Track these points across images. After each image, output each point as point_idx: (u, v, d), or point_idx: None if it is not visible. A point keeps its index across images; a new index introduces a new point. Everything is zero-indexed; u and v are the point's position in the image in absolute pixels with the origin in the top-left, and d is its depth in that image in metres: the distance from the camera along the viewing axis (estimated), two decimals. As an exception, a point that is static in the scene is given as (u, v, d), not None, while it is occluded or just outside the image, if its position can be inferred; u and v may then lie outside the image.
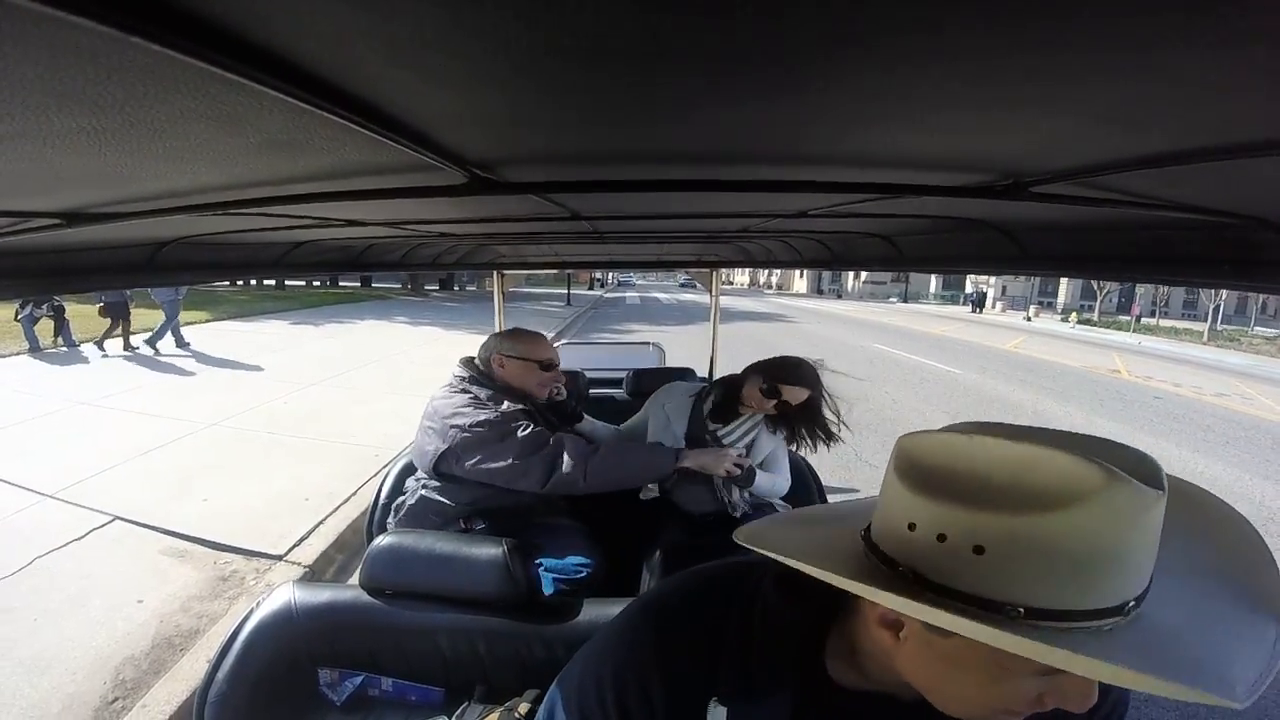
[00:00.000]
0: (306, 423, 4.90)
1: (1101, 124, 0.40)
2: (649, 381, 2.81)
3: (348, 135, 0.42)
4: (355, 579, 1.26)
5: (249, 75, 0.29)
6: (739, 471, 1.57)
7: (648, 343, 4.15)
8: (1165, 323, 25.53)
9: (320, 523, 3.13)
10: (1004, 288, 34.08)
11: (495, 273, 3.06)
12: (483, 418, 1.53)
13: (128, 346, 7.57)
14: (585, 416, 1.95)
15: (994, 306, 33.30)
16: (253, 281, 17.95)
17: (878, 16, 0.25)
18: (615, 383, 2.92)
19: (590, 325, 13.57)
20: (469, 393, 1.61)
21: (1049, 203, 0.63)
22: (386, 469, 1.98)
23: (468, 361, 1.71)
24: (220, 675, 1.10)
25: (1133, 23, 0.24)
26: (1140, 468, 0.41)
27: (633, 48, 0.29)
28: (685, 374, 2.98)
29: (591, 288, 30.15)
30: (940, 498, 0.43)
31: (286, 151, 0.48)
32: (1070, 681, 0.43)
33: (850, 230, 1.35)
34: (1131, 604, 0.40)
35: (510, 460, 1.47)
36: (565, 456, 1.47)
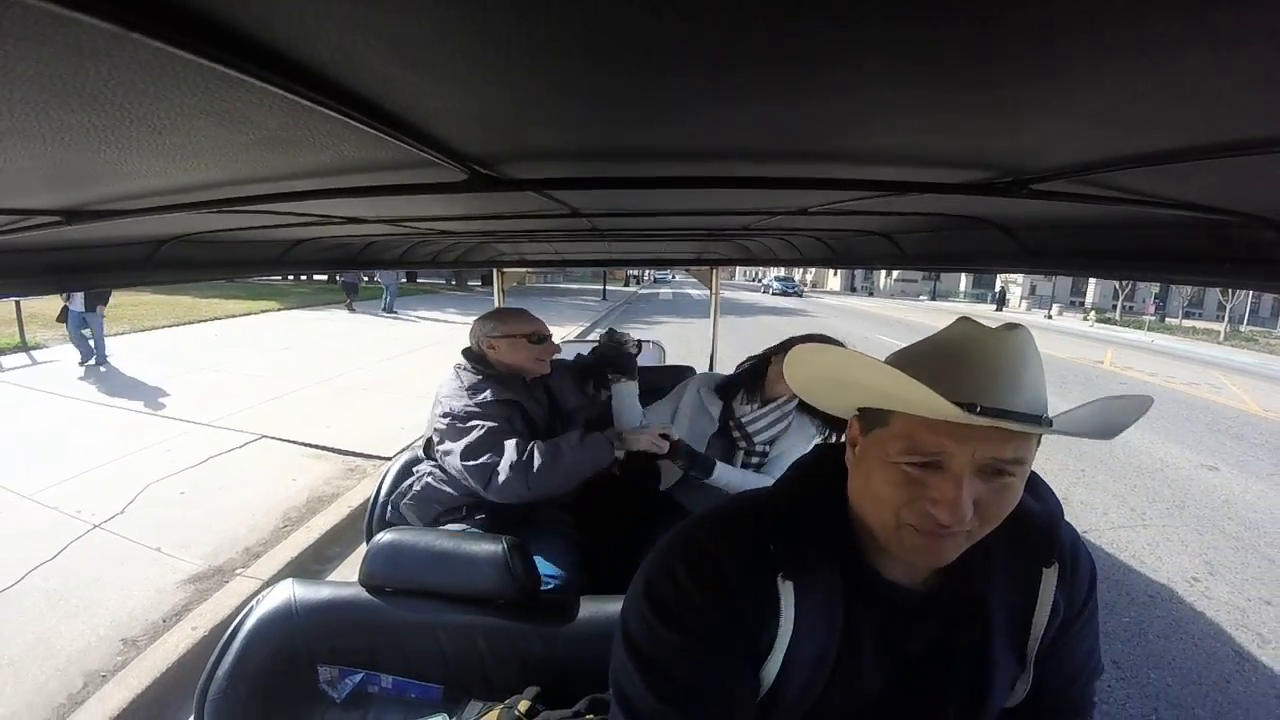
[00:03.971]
0: (394, 384, 6.38)
1: (1102, 122, 0.40)
2: (648, 379, 2.80)
3: (348, 132, 0.42)
4: (355, 576, 1.26)
5: (249, 72, 0.29)
6: (664, 446, 1.54)
7: (648, 340, 4.15)
8: (1199, 324, 25.47)
9: (411, 443, 4.17)
10: (1033, 287, 33.86)
11: (495, 270, 3.06)
12: (451, 407, 1.55)
13: (350, 309, 12.74)
14: (622, 387, 1.80)
15: (1019, 305, 33.24)
16: (314, 276, 18.88)
17: (877, 14, 0.25)
18: None
19: (623, 317, 14.66)
20: (459, 379, 1.63)
21: (1049, 200, 0.63)
22: (387, 466, 1.98)
23: (466, 350, 1.71)
24: (220, 672, 1.10)
25: (1133, 21, 0.24)
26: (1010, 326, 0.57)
27: (633, 45, 0.29)
28: (685, 372, 2.98)
29: (627, 284, 30.59)
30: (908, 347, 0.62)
31: (286, 148, 0.48)
32: (939, 481, 0.54)
33: (851, 228, 1.35)
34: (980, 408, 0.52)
35: (458, 458, 1.48)
36: (503, 467, 1.44)
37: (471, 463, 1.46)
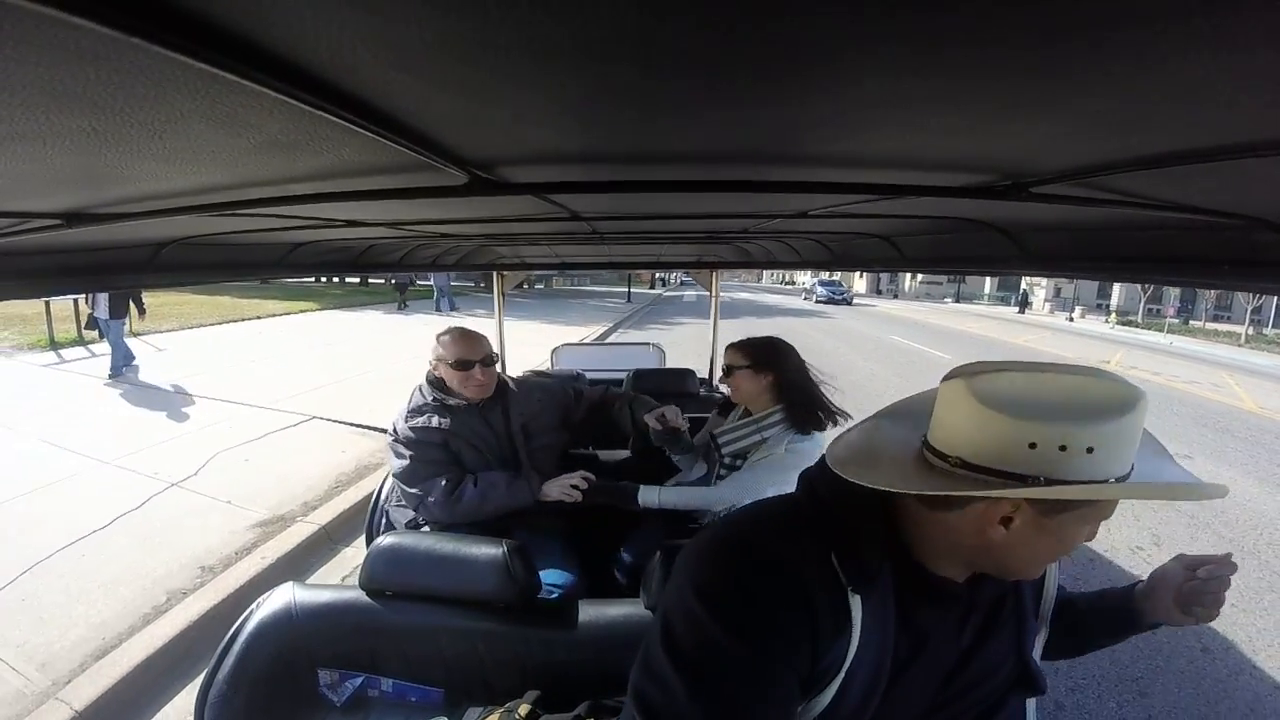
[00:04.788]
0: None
1: (1101, 125, 0.40)
2: (649, 382, 2.81)
3: (348, 136, 0.42)
4: (355, 580, 1.26)
5: (249, 76, 0.29)
6: (576, 496, 1.61)
7: (648, 343, 4.15)
8: (1224, 327, 25.14)
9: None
10: (1058, 289, 33.54)
11: (495, 274, 3.07)
12: (394, 424, 1.64)
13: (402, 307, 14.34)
14: (692, 448, 1.79)
15: (1043, 308, 33.05)
16: (345, 278, 19.66)
17: (877, 18, 0.25)
18: (615, 384, 2.92)
19: (645, 319, 15.37)
20: (411, 397, 1.69)
21: (1049, 203, 0.64)
22: (388, 471, 1.98)
23: (428, 370, 1.73)
24: (220, 676, 1.10)
25: (1132, 25, 0.25)
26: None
27: (632, 49, 0.29)
28: (685, 375, 2.98)
29: (653, 286, 30.66)
30: (1052, 419, 0.55)
31: (287, 152, 0.48)
32: (1095, 528, 0.60)
33: (850, 231, 1.35)
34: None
35: (397, 478, 1.60)
36: (432, 499, 1.54)
37: (405, 488, 1.58)
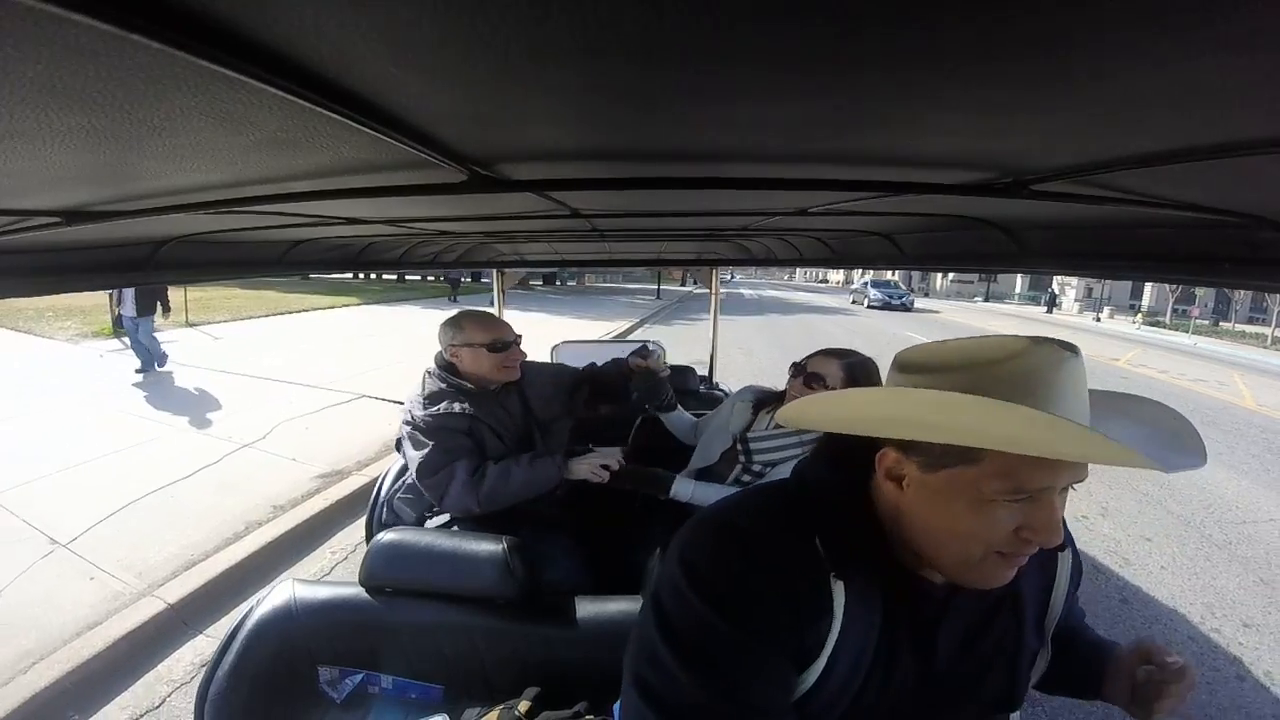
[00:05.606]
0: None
1: (1101, 123, 0.40)
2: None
3: (347, 133, 0.42)
4: (356, 576, 1.26)
5: (249, 73, 0.29)
6: (604, 476, 1.53)
7: (647, 341, 4.15)
8: (1256, 329, 24.57)
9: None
10: (1089, 289, 33.20)
11: (496, 271, 3.06)
12: (411, 414, 1.58)
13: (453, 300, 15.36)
14: (676, 406, 1.87)
15: (1073, 308, 32.84)
16: (382, 275, 20.28)
17: (877, 15, 0.25)
18: None
19: (672, 314, 15.87)
20: (423, 385, 1.63)
21: (1049, 201, 0.63)
22: (388, 467, 1.98)
23: (438, 355, 1.69)
24: (220, 673, 1.10)
25: (1132, 22, 0.24)
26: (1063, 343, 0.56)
27: (632, 45, 0.29)
28: (685, 372, 2.98)
29: (684, 284, 30.63)
30: (918, 372, 0.58)
31: (286, 149, 0.48)
32: (1039, 510, 0.54)
33: (851, 228, 1.35)
34: None
35: (414, 473, 1.54)
36: (454, 487, 1.47)
37: (425, 480, 1.50)
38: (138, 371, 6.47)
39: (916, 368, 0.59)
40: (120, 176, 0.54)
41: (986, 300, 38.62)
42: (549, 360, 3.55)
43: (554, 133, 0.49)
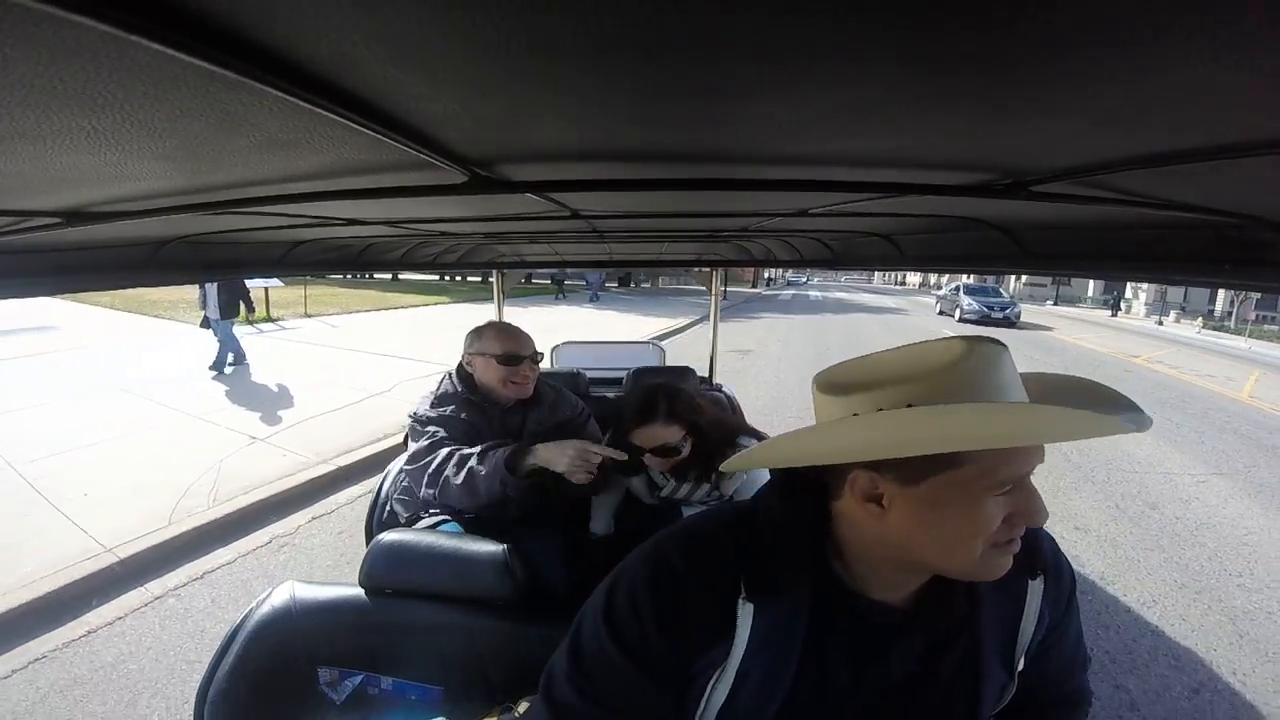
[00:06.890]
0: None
1: (1101, 123, 0.40)
2: (648, 381, 2.79)
3: (348, 134, 0.42)
4: (355, 577, 1.26)
5: (249, 74, 0.29)
6: (585, 472, 1.32)
7: (648, 342, 4.15)
8: None
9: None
10: (1162, 293, 32.81)
11: (496, 272, 3.06)
12: (416, 409, 1.59)
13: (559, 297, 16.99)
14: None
15: (1140, 311, 32.69)
16: (467, 276, 20.94)
17: (877, 15, 0.25)
18: (615, 382, 2.91)
19: (731, 314, 16.60)
20: (437, 385, 1.65)
21: (1049, 202, 0.63)
22: (388, 467, 1.98)
23: (459, 363, 1.70)
24: (220, 674, 1.10)
25: (1133, 22, 0.24)
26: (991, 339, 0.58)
27: (633, 46, 0.29)
28: (684, 373, 2.98)
29: (754, 284, 30.71)
30: (859, 391, 0.58)
31: (287, 150, 0.48)
32: (1023, 495, 0.56)
33: (851, 229, 1.35)
34: None
35: (405, 460, 1.54)
36: (424, 479, 1.43)
37: (411, 466, 1.49)
38: (210, 368, 6.77)
39: (854, 387, 0.59)
40: (121, 177, 0.54)
41: (1055, 304, 38.83)
42: (549, 363, 3.57)
43: (554, 134, 0.49)
